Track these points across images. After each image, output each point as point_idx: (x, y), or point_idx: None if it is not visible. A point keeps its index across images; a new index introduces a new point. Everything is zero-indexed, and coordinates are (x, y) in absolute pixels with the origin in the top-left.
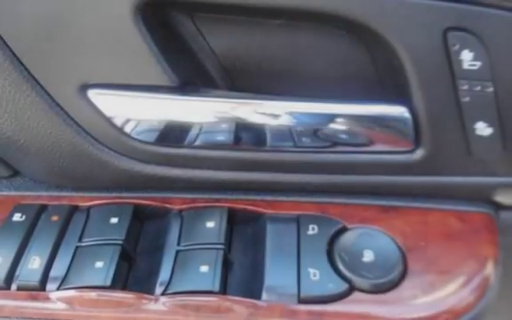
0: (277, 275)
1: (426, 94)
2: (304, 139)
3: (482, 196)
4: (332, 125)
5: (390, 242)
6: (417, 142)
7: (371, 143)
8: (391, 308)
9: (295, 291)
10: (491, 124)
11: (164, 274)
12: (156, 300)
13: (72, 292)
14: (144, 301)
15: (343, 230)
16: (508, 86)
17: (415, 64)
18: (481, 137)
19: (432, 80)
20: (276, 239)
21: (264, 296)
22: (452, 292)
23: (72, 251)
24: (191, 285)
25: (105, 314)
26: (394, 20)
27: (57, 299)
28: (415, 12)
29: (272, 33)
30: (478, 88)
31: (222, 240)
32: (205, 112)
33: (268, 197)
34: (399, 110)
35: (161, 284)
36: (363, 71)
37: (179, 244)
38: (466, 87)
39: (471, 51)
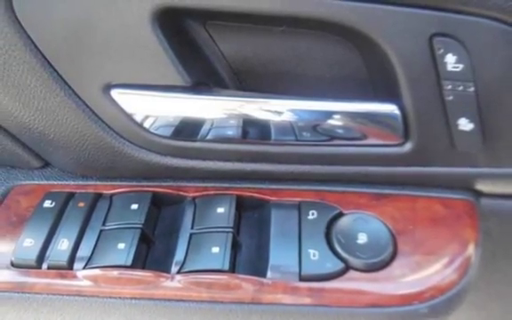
0: (281, 255)
1: (414, 93)
2: (304, 133)
3: (464, 185)
4: (330, 121)
5: (382, 226)
6: (406, 136)
7: (364, 137)
8: (383, 285)
9: (297, 269)
10: (472, 120)
11: (180, 254)
12: (172, 278)
13: (96, 271)
14: (161, 279)
15: (340, 215)
16: (488, 86)
17: (404, 66)
18: (463, 132)
19: (419, 81)
20: (279, 223)
21: (269, 274)
22: (437, 270)
23: (97, 234)
24: (203, 265)
25: (126, 290)
26: (385, 26)
27: (83, 277)
28: (404, 19)
29: (276, 38)
30: (461, 88)
31: (231, 224)
32: (216, 109)
33: (273, 186)
34: (390, 108)
35: (176, 264)
36: (357, 73)
37: (192, 228)
38: (449, 87)
39: (454, 54)
